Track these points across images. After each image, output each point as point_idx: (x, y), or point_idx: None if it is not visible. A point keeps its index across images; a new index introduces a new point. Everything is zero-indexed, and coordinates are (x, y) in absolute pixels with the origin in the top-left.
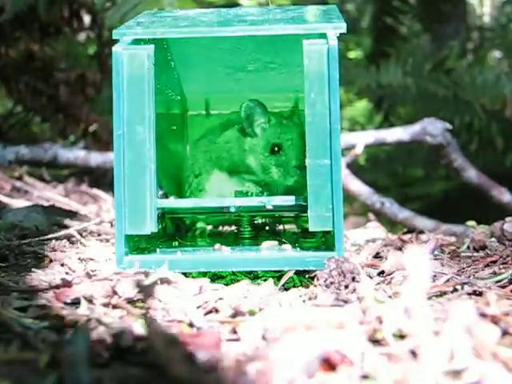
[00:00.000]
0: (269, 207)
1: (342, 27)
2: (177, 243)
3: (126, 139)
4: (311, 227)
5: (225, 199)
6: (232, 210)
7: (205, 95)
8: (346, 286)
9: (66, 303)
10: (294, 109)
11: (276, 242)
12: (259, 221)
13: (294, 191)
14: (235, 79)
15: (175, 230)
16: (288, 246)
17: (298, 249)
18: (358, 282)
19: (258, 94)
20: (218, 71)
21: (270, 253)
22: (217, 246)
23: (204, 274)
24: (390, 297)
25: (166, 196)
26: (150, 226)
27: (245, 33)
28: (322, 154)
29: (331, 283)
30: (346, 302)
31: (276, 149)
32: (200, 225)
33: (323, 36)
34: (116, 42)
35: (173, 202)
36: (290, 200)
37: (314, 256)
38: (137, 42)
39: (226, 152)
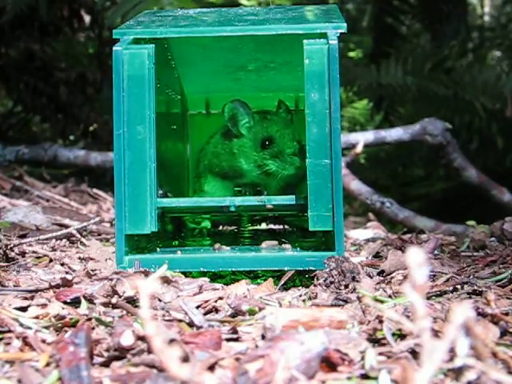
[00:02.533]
0: (268, 206)
1: (343, 27)
2: (177, 243)
3: (126, 139)
4: (311, 227)
5: (225, 199)
6: (232, 209)
7: (205, 95)
8: (346, 286)
9: (65, 303)
10: (281, 107)
11: (276, 242)
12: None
13: (295, 184)
14: (235, 79)
15: (175, 230)
16: (288, 246)
17: (298, 249)
18: (358, 281)
19: (258, 93)
20: (219, 70)
21: (269, 253)
22: (217, 245)
23: (204, 274)
24: (389, 296)
25: (165, 195)
26: (150, 226)
27: (245, 32)
28: (323, 153)
29: (331, 283)
30: (345, 301)
31: (267, 142)
32: (202, 224)
33: (323, 36)
34: (116, 41)
35: (173, 202)
36: (289, 200)
37: (313, 256)
38: (137, 41)
39: (215, 158)
